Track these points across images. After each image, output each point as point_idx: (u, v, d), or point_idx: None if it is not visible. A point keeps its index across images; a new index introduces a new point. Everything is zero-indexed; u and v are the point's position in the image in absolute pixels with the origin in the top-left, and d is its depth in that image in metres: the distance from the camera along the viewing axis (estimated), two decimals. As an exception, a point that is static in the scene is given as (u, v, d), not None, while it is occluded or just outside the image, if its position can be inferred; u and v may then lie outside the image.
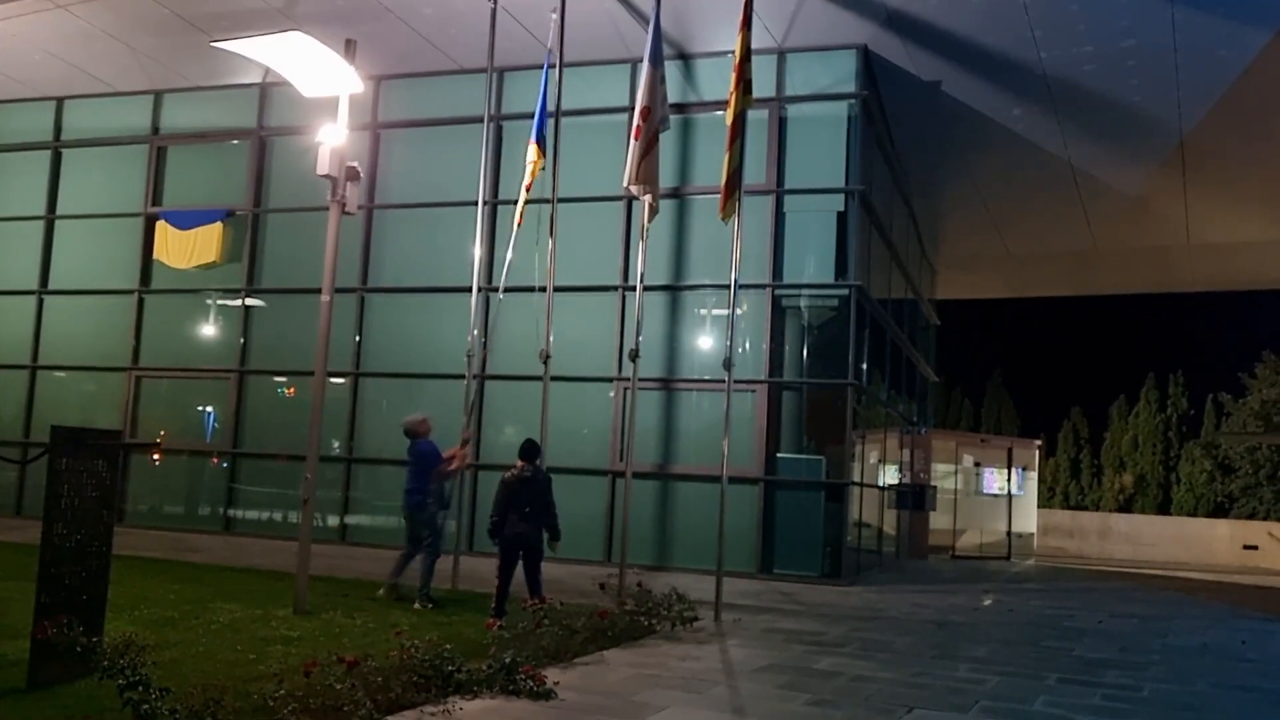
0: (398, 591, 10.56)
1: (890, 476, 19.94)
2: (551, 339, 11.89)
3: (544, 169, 12.32)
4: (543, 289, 12.07)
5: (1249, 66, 14.94)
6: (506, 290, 12.41)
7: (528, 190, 12.51)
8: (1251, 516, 33.99)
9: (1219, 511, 35.97)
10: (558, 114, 12.31)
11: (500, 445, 15.63)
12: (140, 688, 5.27)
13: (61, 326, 19.24)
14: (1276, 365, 36.26)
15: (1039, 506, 27.11)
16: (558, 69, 12.35)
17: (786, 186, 15.33)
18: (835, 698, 7.08)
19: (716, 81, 15.17)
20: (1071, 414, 41.60)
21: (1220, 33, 14.29)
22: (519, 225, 12.59)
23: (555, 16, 12.32)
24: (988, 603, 12.63)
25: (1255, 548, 27.99)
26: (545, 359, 11.46)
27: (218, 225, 18.02)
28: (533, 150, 12.45)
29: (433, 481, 10.72)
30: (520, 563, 9.41)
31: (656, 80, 11.36)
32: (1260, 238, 22.09)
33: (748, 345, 15.17)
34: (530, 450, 9.61)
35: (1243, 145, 17.70)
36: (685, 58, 15.77)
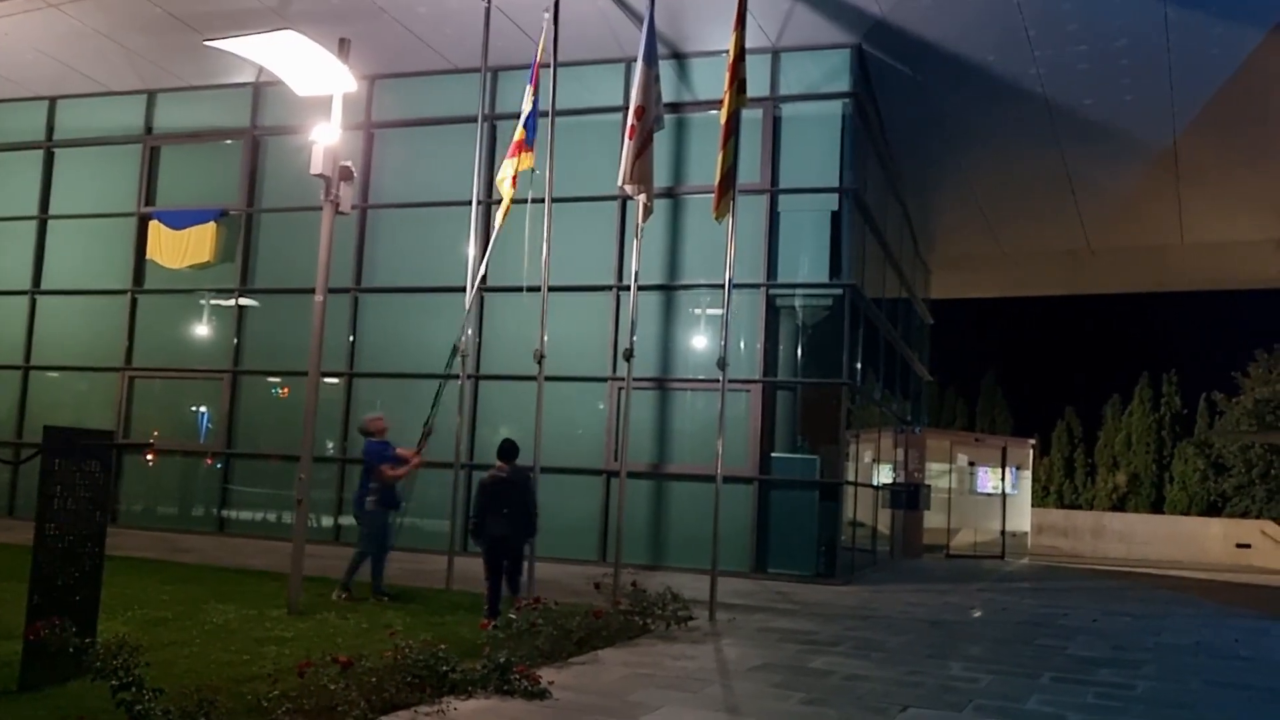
0: (387, 593, 10.58)
1: (884, 476, 19.96)
2: (546, 339, 11.86)
3: (535, 171, 12.20)
4: (534, 289, 12.02)
5: (1241, 66, 14.97)
6: (500, 290, 12.35)
7: (513, 189, 12.30)
8: (1244, 515, 34.03)
9: (1212, 510, 36.03)
10: (552, 114, 12.27)
11: (495, 445, 15.56)
12: (133, 689, 5.25)
13: (54, 327, 19.20)
14: (1269, 364, 36.31)
15: (1033, 505, 27.17)
16: (551, 68, 12.30)
17: (780, 186, 15.33)
18: (829, 697, 7.08)
19: (710, 81, 15.17)
20: (1065, 413, 41.65)
21: (1212, 33, 14.32)
22: (500, 228, 12.46)
23: (548, 15, 12.30)
24: (978, 614, 12.64)
25: (1248, 546, 28.06)
26: (540, 359, 11.42)
27: (211, 225, 17.99)
28: (522, 157, 12.15)
29: (373, 480, 10.75)
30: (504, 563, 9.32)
31: (651, 80, 11.34)
32: (1253, 236, 22.15)
33: (742, 345, 15.17)
34: (508, 450, 9.51)
35: (1235, 144, 17.75)
36: (679, 57, 15.77)
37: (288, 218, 17.71)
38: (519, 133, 12.06)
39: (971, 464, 24.90)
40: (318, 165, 9.89)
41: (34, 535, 6.38)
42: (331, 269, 10.26)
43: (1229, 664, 9.57)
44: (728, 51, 11.29)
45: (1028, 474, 26.01)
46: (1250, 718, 7.38)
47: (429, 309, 16.45)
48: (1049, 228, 22.21)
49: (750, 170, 14.80)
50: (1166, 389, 39.58)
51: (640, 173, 11.12)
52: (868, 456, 18.24)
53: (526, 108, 12.09)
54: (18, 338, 19.26)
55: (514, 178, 12.03)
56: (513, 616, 8.14)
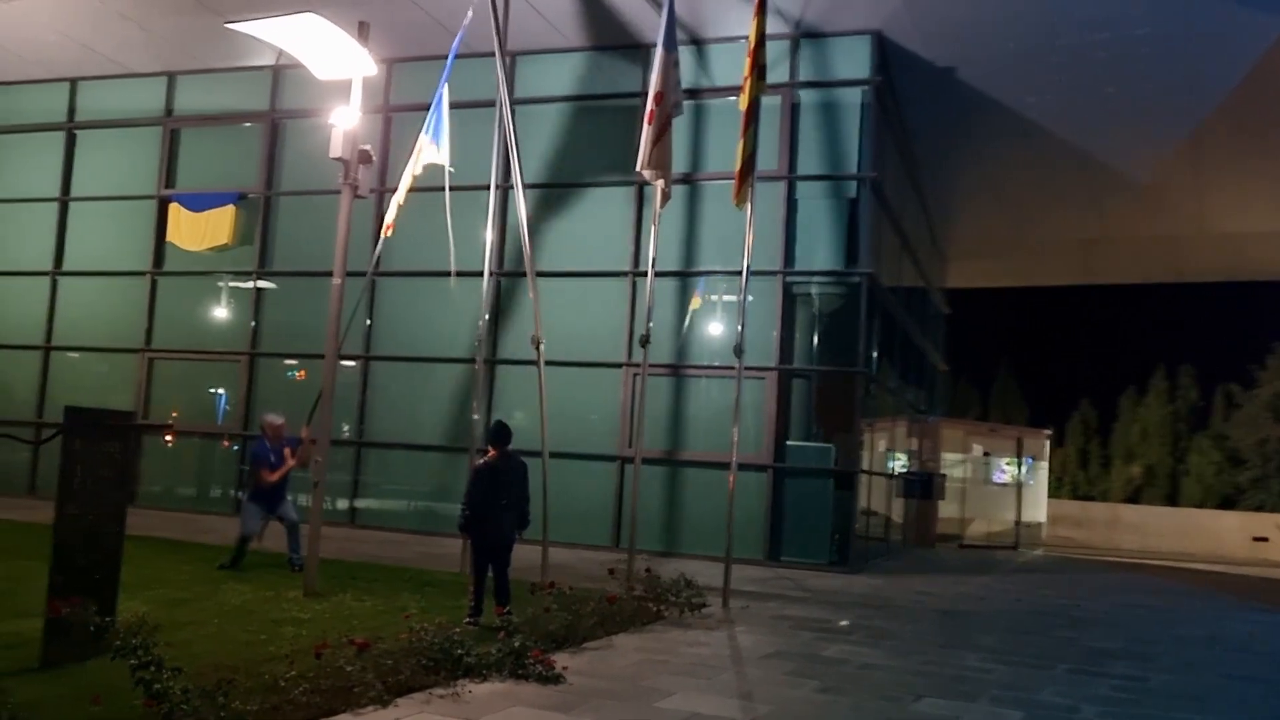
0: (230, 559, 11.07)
1: (899, 465, 19.93)
2: (558, 325, 11.78)
3: (452, 170, 12.05)
4: (441, 271, 11.69)
5: (1264, 54, 14.83)
6: (510, 274, 12.17)
7: (415, 178, 11.98)
8: (1260, 509, 33.88)
9: (1227, 503, 35.90)
10: (510, 99, 11.84)
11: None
12: (152, 667, 5.29)
13: (75, 308, 19.31)
14: (1288, 357, 36.10)
15: (1048, 496, 27.09)
16: (507, 56, 12.00)
17: (799, 173, 15.28)
18: (843, 685, 7.09)
19: (729, 67, 15.11)
20: (1080, 404, 41.54)
21: (1235, 21, 14.19)
22: (390, 225, 12.22)
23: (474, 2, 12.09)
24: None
25: (1265, 539, 27.90)
26: (538, 344, 11.16)
27: (230, 208, 18.05)
28: (425, 141, 11.78)
29: (249, 476, 11.33)
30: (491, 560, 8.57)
31: (670, 65, 11.29)
32: (1273, 227, 21.97)
33: (757, 332, 15.14)
34: (501, 434, 8.64)
35: (1256, 134, 17.60)
36: (699, 43, 15.71)
37: (306, 201, 17.74)
38: (424, 133, 11.69)
39: (986, 454, 24.85)
40: (337, 149, 9.91)
41: (55, 515, 6.44)
42: (349, 252, 10.27)
43: (1244, 657, 9.55)
44: (747, 37, 11.24)
45: (1043, 465, 25.94)
46: (1265, 711, 7.36)
47: (446, 293, 16.43)
48: (1067, 217, 22.08)
49: (768, 157, 14.73)
50: (1183, 381, 39.42)
51: (659, 158, 11.09)
52: (882, 445, 18.21)
53: (436, 101, 11.74)
54: (39, 318, 19.38)
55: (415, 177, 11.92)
56: (498, 623, 7.52)
